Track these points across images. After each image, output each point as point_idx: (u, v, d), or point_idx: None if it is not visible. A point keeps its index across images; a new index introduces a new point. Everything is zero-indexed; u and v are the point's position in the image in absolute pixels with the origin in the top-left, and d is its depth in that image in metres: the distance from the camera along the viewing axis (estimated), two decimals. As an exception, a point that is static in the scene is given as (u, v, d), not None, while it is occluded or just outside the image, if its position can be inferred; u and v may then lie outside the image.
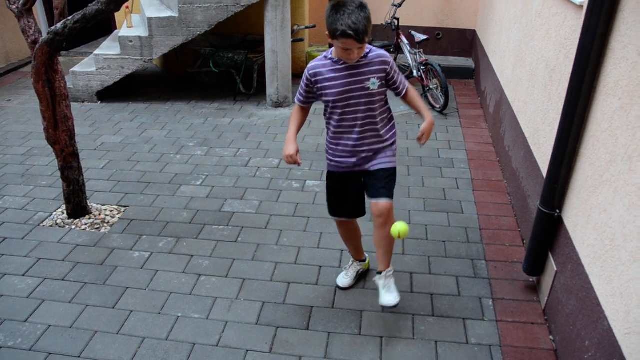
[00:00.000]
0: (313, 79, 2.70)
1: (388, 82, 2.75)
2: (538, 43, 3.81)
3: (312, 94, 2.79)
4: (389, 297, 2.84)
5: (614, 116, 2.34)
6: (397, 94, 2.83)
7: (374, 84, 2.65)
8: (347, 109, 2.70)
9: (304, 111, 2.90)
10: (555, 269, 2.90)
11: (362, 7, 2.43)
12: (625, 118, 2.23)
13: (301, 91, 2.81)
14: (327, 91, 2.68)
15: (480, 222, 3.94)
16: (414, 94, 2.85)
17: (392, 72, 2.72)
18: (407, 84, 2.84)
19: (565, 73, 3.05)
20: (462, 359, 2.74)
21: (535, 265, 3.12)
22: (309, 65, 2.72)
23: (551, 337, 2.86)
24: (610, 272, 2.23)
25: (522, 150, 4.00)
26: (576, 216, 2.70)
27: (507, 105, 4.77)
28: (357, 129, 2.74)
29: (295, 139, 2.81)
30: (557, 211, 2.91)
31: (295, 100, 2.88)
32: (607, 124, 2.40)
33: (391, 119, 2.88)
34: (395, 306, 2.84)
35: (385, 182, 2.80)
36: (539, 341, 2.84)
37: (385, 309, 2.96)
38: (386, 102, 2.82)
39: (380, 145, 2.81)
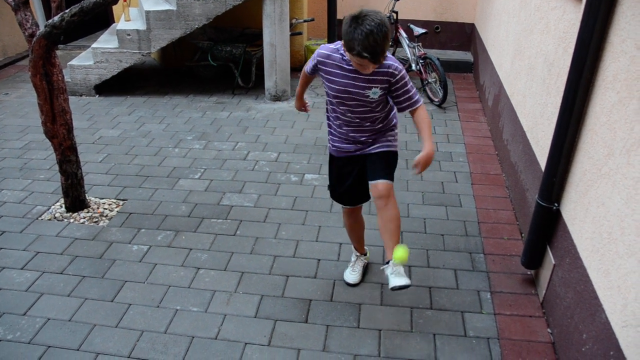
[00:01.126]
0: (319, 65, 2.69)
1: (391, 93, 2.64)
2: (537, 37, 3.81)
3: (317, 72, 2.80)
4: (399, 279, 2.65)
5: (612, 110, 2.34)
6: (399, 110, 2.72)
7: (375, 93, 2.60)
8: (343, 107, 2.70)
9: (311, 78, 2.96)
10: (553, 262, 2.91)
11: (382, 25, 2.31)
12: (623, 112, 2.23)
13: (311, 64, 2.79)
14: (328, 83, 2.68)
15: (479, 215, 3.95)
16: (423, 118, 2.66)
17: (397, 86, 2.59)
18: (416, 105, 2.66)
19: (564, 67, 3.04)
20: (460, 352, 2.76)
21: (533, 258, 3.12)
22: (321, 50, 2.67)
23: (549, 329, 2.87)
24: (608, 265, 2.24)
25: (520, 144, 4.00)
26: (574, 209, 2.70)
27: (505, 99, 4.77)
28: (352, 125, 2.75)
29: (302, 96, 3.11)
30: (556, 204, 2.92)
31: (305, 68, 2.88)
32: (606, 118, 2.40)
33: (390, 109, 2.83)
34: (407, 286, 2.65)
35: (384, 164, 2.77)
36: (536, 334, 2.85)
37: (395, 289, 2.69)
38: (387, 104, 2.77)
39: (380, 133, 2.81)
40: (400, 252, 2.66)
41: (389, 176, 2.76)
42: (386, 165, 2.78)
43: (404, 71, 2.59)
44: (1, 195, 4.24)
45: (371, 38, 2.28)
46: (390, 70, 2.55)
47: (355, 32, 2.30)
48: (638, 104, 2.10)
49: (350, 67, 2.57)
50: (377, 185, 2.72)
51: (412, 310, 3.03)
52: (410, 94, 2.64)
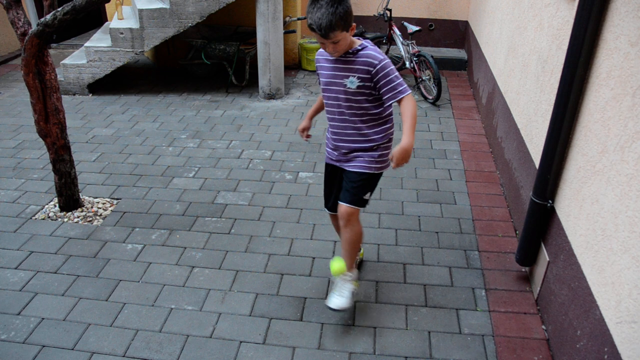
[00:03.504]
0: (318, 65, 2.76)
1: (375, 86, 2.57)
2: (531, 34, 3.82)
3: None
4: (337, 300, 2.80)
5: (606, 107, 2.34)
6: (384, 101, 2.61)
7: (352, 82, 2.57)
8: (329, 101, 2.74)
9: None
10: (548, 259, 2.92)
11: (334, 2, 2.36)
12: (617, 108, 2.23)
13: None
14: (321, 78, 2.75)
15: (473, 213, 3.96)
16: (406, 109, 2.51)
17: (379, 77, 2.52)
18: (401, 96, 2.53)
19: (557, 64, 3.05)
20: (455, 349, 2.76)
21: (527, 255, 3.13)
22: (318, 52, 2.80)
23: (543, 326, 2.88)
24: (602, 261, 2.25)
25: (514, 141, 4.01)
26: (568, 206, 2.71)
27: (499, 96, 4.77)
28: (336, 123, 2.74)
29: (309, 118, 3.06)
30: (550, 202, 2.93)
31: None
32: (600, 115, 2.41)
33: (383, 123, 2.74)
34: (339, 310, 2.83)
35: (352, 186, 2.74)
36: (531, 331, 2.86)
37: (331, 310, 2.82)
38: (380, 105, 2.67)
39: (361, 146, 2.73)
40: (335, 266, 2.84)
41: (355, 199, 2.74)
42: (356, 187, 2.74)
43: (386, 61, 2.53)
44: (-6, 194, 4.22)
45: (320, 12, 2.39)
46: (369, 59, 2.53)
47: (310, 7, 2.44)
48: (632, 101, 2.11)
49: (332, 58, 2.63)
50: (340, 207, 2.79)
51: (407, 308, 3.04)
52: (394, 83, 2.52)
